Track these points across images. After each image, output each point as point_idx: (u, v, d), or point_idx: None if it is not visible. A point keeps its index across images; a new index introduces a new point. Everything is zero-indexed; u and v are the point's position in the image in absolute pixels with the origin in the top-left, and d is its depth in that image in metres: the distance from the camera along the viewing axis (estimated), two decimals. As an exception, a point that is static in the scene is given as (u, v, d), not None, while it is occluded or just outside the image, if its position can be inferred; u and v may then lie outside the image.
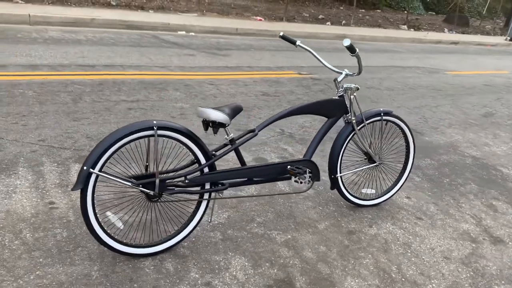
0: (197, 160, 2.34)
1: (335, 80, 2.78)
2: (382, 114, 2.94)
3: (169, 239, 2.32)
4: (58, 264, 2.14)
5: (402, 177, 3.21)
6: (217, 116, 2.27)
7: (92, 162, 2.01)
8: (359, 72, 2.76)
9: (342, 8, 19.55)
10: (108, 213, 2.26)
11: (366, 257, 2.55)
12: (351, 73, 2.79)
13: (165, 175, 2.24)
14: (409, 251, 2.66)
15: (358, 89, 2.84)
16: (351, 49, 2.52)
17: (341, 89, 2.79)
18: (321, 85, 6.39)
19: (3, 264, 2.08)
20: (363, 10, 20.20)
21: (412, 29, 17.51)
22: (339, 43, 11.66)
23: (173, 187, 2.26)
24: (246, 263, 2.35)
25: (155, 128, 2.14)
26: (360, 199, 3.06)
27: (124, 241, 2.23)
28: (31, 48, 6.25)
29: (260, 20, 13.31)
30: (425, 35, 15.93)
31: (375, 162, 3.01)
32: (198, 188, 2.36)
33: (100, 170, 2.05)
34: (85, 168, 2.01)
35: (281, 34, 2.83)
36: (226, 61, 7.17)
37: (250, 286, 2.18)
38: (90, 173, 2.02)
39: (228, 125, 2.36)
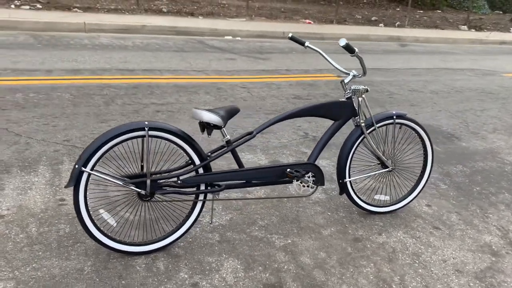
0: (191, 161, 2.36)
1: (342, 81, 2.70)
2: (394, 117, 2.81)
3: (163, 239, 2.36)
4: (55, 258, 2.24)
5: (420, 184, 3.05)
6: (210, 118, 2.28)
7: (83, 161, 2.09)
8: (364, 73, 2.67)
9: (398, 9, 18.95)
10: (101, 211, 2.34)
11: (368, 265, 2.45)
12: (358, 75, 2.70)
13: (158, 175, 2.28)
14: (417, 261, 2.52)
15: (367, 90, 2.74)
16: (348, 49, 2.44)
17: (348, 91, 2.70)
18: (359, 88, 6.23)
19: (4, 256, 2.21)
20: (421, 11, 19.46)
21: (473, 30, 16.61)
22: (391, 45, 11.31)
23: (166, 187, 2.29)
24: (239, 266, 2.33)
25: (146, 128, 2.18)
26: (372, 206, 2.94)
27: (118, 238, 2.29)
28: (79, 54, 6.62)
29: (309, 23, 13.21)
30: (487, 36, 15.05)
31: (387, 167, 2.89)
32: (191, 189, 2.37)
33: (92, 169, 2.13)
34: (76, 166, 2.09)
35: (290, 35, 2.80)
36: (265, 65, 7.18)
37: (238, 289, 2.17)
38: (82, 172, 2.10)
39: (223, 127, 2.36)
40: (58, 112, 4.13)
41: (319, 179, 2.67)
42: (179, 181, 2.31)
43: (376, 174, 2.96)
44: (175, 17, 11.39)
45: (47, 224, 2.48)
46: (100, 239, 2.21)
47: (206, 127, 2.34)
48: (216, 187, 2.44)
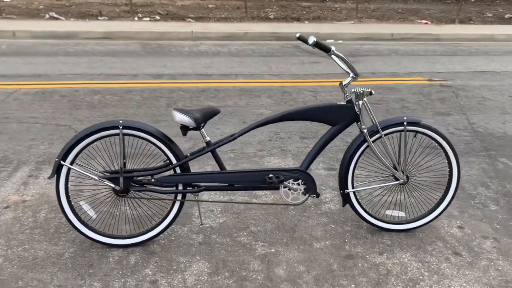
0: (169, 160, 2.41)
1: (340, 83, 2.49)
2: (405, 123, 2.49)
3: (140, 235, 2.44)
4: (45, 242, 2.48)
5: (443, 202, 2.64)
6: (182, 118, 2.31)
7: (62, 155, 2.28)
8: (354, 74, 2.42)
9: (545, 4, 16.48)
10: (82, 203, 2.51)
11: (348, 286, 2.21)
12: (355, 76, 2.47)
13: (133, 173, 2.37)
14: (409, 289, 2.21)
15: (371, 93, 2.49)
16: (321, 47, 2.24)
17: (348, 94, 2.49)
18: (447, 92, 5.61)
19: (7, 235, 2.52)
20: None
21: None
22: (517, 45, 9.92)
23: (140, 185, 2.38)
24: (206, 269, 2.31)
25: (120, 127, 2.30)
26: (381, 221, 2.65)
27: (98, 229, 2.44)
28: (171, 60, 7.14)
29: (426, 23, 12.27)
30: None
31: (397, 179, 2.57)
32: (167, 188, 2.42)
33: (72, 163, 2.31)
34: (56, 159, 2.29)
35: (298, 35, 2.67)
36: (350, 68, 6.90)
37: (193, 292, 2.15)
38: (61, 165, 2.29)
39: (199, 128, 2.37)
40: (121, 112, 4.53)
41: (311, 188, 2.50)
42: (152, 180, 2.37)
43: (384, 186, 2.66)
44: (280, 23, 11.56)
45: (55, 212, 2.75)
46: (80, 229, 2.38)
47: (181, 127, 2.36)
48: (196, 188, 2.45)
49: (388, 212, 2.76)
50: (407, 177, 2.60)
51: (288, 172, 2.48)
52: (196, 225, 2.69)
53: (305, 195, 2.49)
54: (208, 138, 2.43)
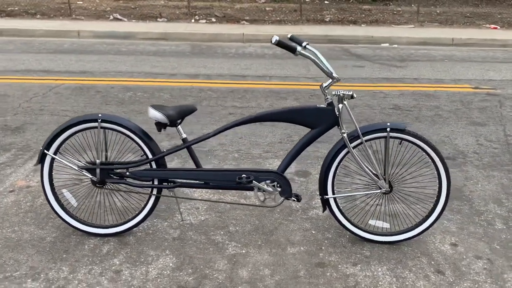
0: (146, 155, 2.47)
1: (321, 85, 2.41)
2: (388, 129, 2.36)
3: (116, 226, 2.53)
4: (34, 225, 2.64)
5: (432, 215, 2.47)
6: (154, 115, 2.36)
7: (45, 144, 2.42)
8: (329, 76, 2.33)
9: None
10: (64, 191, 2.63)
11: (307, 294, 2.14)
12: (337, 79, 2.38)
13: (109, 165, 2.45)
14: (372, 304, 2.09)
15: (352, 97, 2.39)
16: (286, 47, 2.18)
17: (328, 97, 2.40)
18: (491, 102, 5.22)
19: (2, 217, 2.71)
20: None
21: None
22: None
23: (117, 177, 2.46)
24: (171, 264, 2.34)
25: (98, 120, 2.39)
26: (363, 231, 2.53)
27: (79, 217, 2.56)
28: (213, 61, 7.27)
29: (495, 28, 11.47)
30: None
31: (380, 188, 2.44)
32: (141, 182, 2.47)
33: (55, 153, 2.44)
34: (41, 148, 2.43)
35: (289, 35, 2.63)
36: (393, 73, 6.62)
37: (150, 284, 2.18)
38: (45, 154, 2.43)
39: (175, 125, 2.40)
40: (145, 109, 4.70)
41: (286, 191, 2.44)
42: (127, 173, 2.45)
43: (366, 194, 2.53)
44: (334, 26, 11.36)
45: (52, 198, 2.91)
46: (61, 215, 2.52)
47: (156, 124, 2.42)
48: (172, 184, 2.49)
49: (372, 222, 2.62)
50: (391, 186, 2.46)
51: (263, 173, 2.44)
52: (177, 220, 2.73)
53: (281, 198, 2.45)
54: (184, 135, 2.47)
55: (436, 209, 2.45)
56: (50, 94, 5.15)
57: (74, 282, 2.19)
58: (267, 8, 13.70)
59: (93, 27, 10.43)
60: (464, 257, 2.44)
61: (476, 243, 2.56)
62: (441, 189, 2.43)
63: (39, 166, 2.46)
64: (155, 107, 2.38)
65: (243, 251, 2.46)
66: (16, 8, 12.36)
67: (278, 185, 2.44)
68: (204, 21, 11.56)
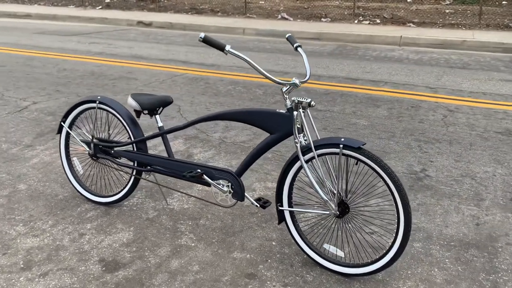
0: (130, 138, 2.71)
1: (281, 89, 2.27)
2: (342, 145, 2.08)
3: (105, 197, 2.85)
4: (59, 184, 3.16)
5: (390, 251, 2.07)
6: (130, 102, 2.59)
7: (63, 117, 2.88)
8: (273, 80, 2.14)
9: None
10: (74, 159, 3.01)
11: (211, 300, 2.09)
12: (298, 83, 2.20)
13: (102, 142, 2.77)
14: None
15: (310, 105, 2.19)
16: (214, 45, 2.07)
17: (287, 102, 2.25)
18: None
19: (48, 175, 3.31)
20: None
21: None
22: None
23: (105, 154, 2.77)
24: (124, 240, 2.54)
25: (96, 102, 2.74)
26: (317, 254, 2.28)
27: (86, 184, 2.97)
28: (339, 62, 7.08)
29: None
30: None
31: (328, 210, 2.17)
32: (123, 161, 2.72)
33: (70, 127, 2.89)
34: (60, 121, 2.91)
35: (287, 35, 2.56)
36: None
37: (94, 251, 2.43)
38: (61, 125, 2.90)
39: (154, 114, 2.59)
40: (229, 102, 4.95)
41: (237, 193, 2.39)
42: (112, 151, 2.73)
43: (314, 213, 2.26)
44: (519, 32, 9.67)
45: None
46: (71, 180, 2.96)
47: (134, 111, 2.63)
48: (149, 168, 2.68)
49: (326, 246, 2.32)
50: (347, 209, 2.15)
51: (218, 172, 2.43)
52: (162, 204, 2.91)
53: (234, 200, 2.40)
54: (160, 124, 2.63)
55: (395, 245, 2.06)
56: (168, 81, 5.86)
57: (45, 234, 2.58)
58: (447, 11, 12.45)
59: (258, 25, 11.18)
60: (419, 314, 1.99)
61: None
62: (399, 222, 2.02)
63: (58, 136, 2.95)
64: (133, 95, 2.60)
65: (192, 244, 2.50)
66: (206, 6, 14.09)
67: (232, 186, 2.40)
68: (368, 22, 11.20)
